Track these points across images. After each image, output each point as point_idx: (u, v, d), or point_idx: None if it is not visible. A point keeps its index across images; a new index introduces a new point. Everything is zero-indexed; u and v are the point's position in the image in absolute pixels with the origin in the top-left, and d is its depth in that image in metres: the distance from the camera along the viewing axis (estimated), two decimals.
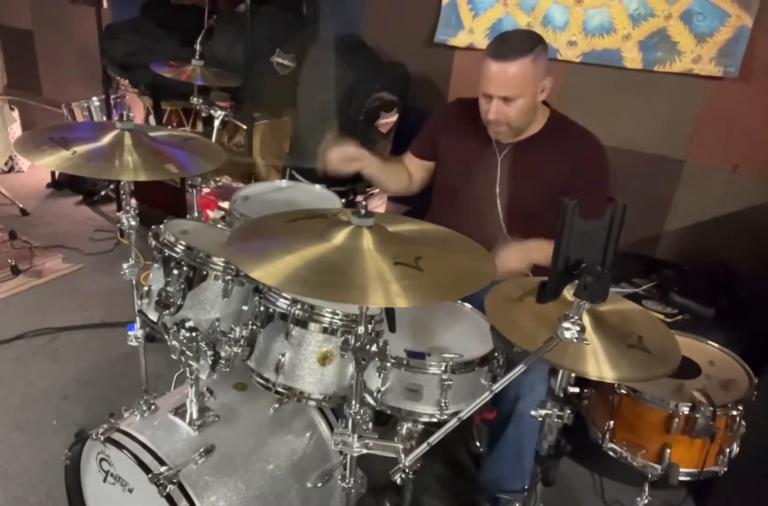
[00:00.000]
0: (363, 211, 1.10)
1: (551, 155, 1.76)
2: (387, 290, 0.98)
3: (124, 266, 1.65)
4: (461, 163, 1.91)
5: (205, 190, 3.09)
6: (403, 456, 1.19)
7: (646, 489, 1.45)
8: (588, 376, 1.08)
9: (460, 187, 1.91)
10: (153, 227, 1.55)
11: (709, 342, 1.61)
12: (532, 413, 1.21)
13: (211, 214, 2.96)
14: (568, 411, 1.19)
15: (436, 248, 1.18)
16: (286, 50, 2.84)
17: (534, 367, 1.07)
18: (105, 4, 3.76)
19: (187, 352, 1.38)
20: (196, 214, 2.14)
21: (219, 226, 1.81)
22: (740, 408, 1.38)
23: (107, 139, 1.46)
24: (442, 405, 1.33)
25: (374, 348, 1.16)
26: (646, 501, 1.46)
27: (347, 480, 1.31)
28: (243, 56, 2.72)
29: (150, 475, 1.30)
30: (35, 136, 1.51)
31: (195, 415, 1.47)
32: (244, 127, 2.94)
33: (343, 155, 1.83)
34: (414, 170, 2.05)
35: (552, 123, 1.80)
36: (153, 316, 1.52)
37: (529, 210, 1.80)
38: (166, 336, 1.41)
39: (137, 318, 1.65)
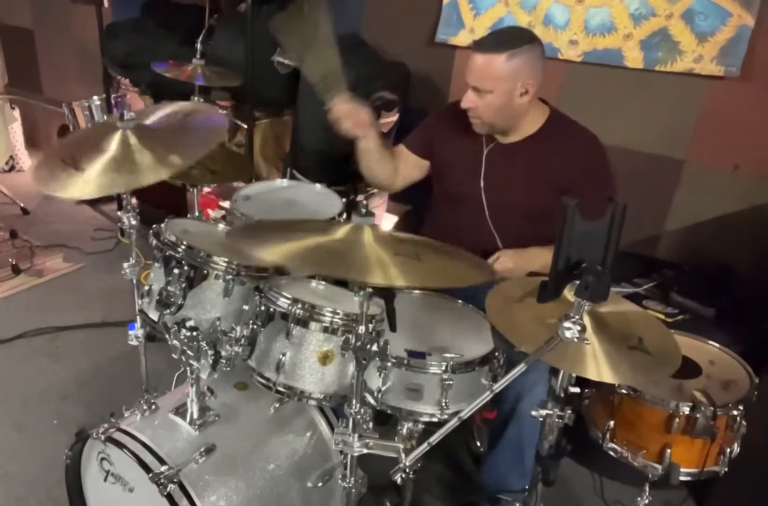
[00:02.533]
0: (364, 210, 1.10)
1: (549, 156, 1.76)
2: (387, 272, 1.01)
3: (125, 265, 1.65)
4: (452, 160, 1.91)
5: (206, 189, 3.10)
6: (403, 455, 1.19)
7: (647, 489, 1.45)
8: (589, 378, 1.08)
9: (450, 184, 1.92)
10: (154, 226, 1.55)
11: (710, 342, 1.61)
12: (533, 413, 1.21)
13: (211, 213, 2.94)
14: (569, 411, 1.19)
15: (434, 251, 1.21)
16: None
17: (534, 367, 1.07)
18: (106, 4, 3.75)
19: (188, 351, 1.38)
20: (196, 213, 2.14)
21: (220, 225, 1.81)
22: (741, 407, 1.38)
23: (113, 145, 1.39)
24: (443, 404, 1.33)
25: (375, 348, 1.16)
26: (646, 501, 1.46)
27: (348, 480, 1.31)
28: (244, 55, 2.72)
29: (150, 474, 1.30)
30: (48, 161, 1.42)
31: (195, 414, 1.47)
32: (245, 126, 2.94)
33: (354, 111, 1.79)
34: (403, 165, 1.99)
35: (551, 123, 1.79)
36: (154, 315, 1.52)
37: (518, 211, 1.80)
38: (167, 336, 1.41)
39: (138, 318, 1.65)
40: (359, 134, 1.83)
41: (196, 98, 2.34)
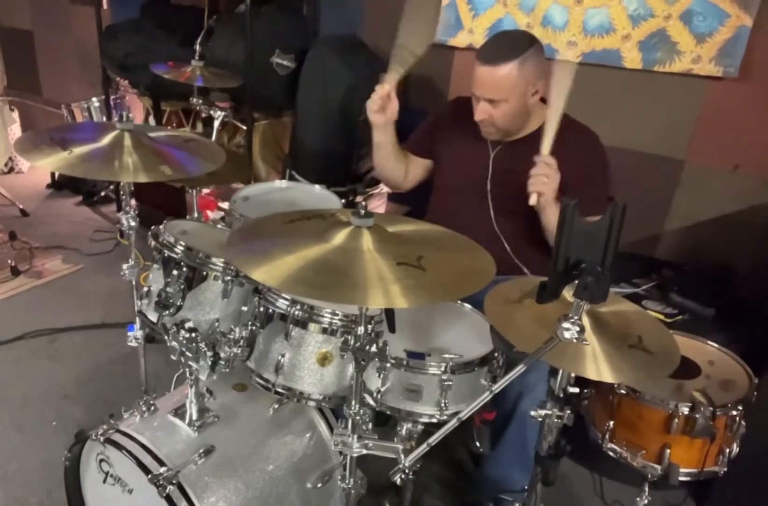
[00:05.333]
0: (362, 211, 1.10)
1: (551, 152, 1.76)
2: (387, 291, 0.98)
3: (124, 266, 1.66)
4: (456, 161, 1.91)
5: (205, 190, 3.10)
6: (402, 456, 1.19)
7: (646, 489, 1.44)
8: (589, 377, 1.08)
9: (454, 184, 1.92)
10: (153, 227, 1.55)
11: (709, 342, 1.60)
12: (532, 413, 1.21)
13: (210, 214, 2.96)
14: (568, 412, 1.19)
15: (436, 247, 1.18)
16: (285, 50, 2.84)
17: (534, 367, 1.07)
18: (105, 5, 3.76)
19: (187, 353, 1.37)
20: (195, 214, 2.14)
21: (218, 226, 1.81)
22: (740, 408, 1.37)
23: (107, 139, 1.47)
24: (442, 405, 1.33)
25: (374, 349, 1.16)
26: (646, 502, 1.46)
27: (347, 481, 1.30)
28: (243, 57, 2.72)
29: (150, 476, 1.30)
30: (36, 136, 1.51)
31: (195, 416, 1.47)
32: (244, 127, 2.94)
33: (388, 99, 1.80)
34: (409, 165, 2.04)
35: None
36: (153, 317, 1.52)
37: (522, 208, 1.80)
38: (166, 337, 1.41)
39: (137, 319, 1.65)
40: (380, 121, 1.83)
41: (195, 99, 2.34)
